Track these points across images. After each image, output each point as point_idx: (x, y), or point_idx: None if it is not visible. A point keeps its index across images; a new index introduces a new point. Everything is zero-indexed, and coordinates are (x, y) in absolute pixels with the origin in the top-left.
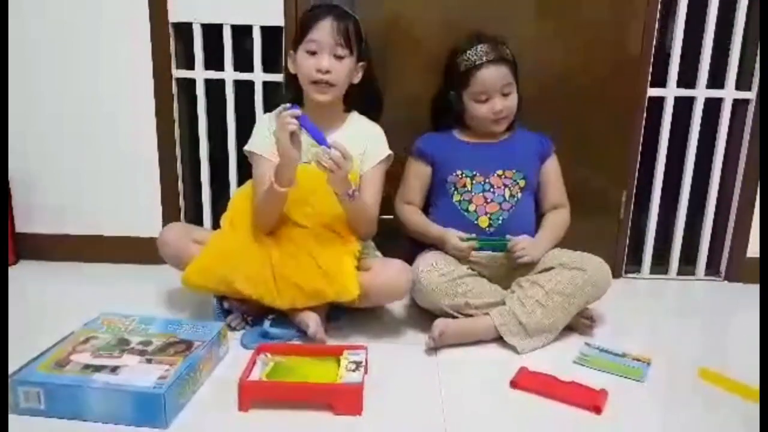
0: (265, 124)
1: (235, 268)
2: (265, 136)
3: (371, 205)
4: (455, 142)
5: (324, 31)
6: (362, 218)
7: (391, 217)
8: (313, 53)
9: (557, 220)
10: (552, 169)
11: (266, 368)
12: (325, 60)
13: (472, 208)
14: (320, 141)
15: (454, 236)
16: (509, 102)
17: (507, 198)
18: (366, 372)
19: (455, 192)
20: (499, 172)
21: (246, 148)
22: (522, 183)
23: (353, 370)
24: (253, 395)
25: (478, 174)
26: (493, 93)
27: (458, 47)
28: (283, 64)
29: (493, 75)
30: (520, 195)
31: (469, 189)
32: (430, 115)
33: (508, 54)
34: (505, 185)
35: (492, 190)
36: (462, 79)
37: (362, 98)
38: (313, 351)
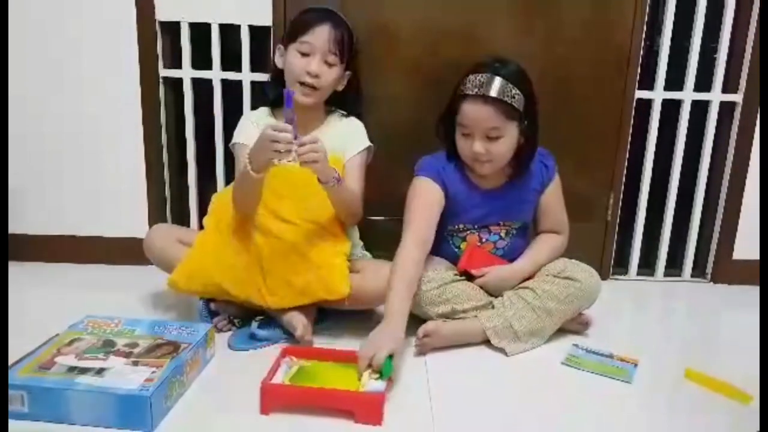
0: (250, 118)
1: (222, 269)
2: (249, 128)
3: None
4: (467, 188)
5: (320, 35)
6: (348, 203)
7: (381, 218)
8: (305, 54)
9: (544, 246)
10: (551, 195)
11: (290, 372)
12: (315, 63)
13: (464, 246)
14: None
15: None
16: (495, 147)
17: (502, 237)
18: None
19: (452, 233)
20: (500, 222)
21: (231, 142)
22: (519, 225)
23: (376, 379)
24: (274, 399)
25: (478, 225)
26: (475, 132)
27: (474, 66)
28: (271, 57)
29: (476, 113)
30: (515, 232)
31: (466, 231)
32: (437, 129)
33: (509, 94)
34: (503, 228)
35: (488, 230)
36: (454, 104)
37: (343, 103)
38: (339, 356)
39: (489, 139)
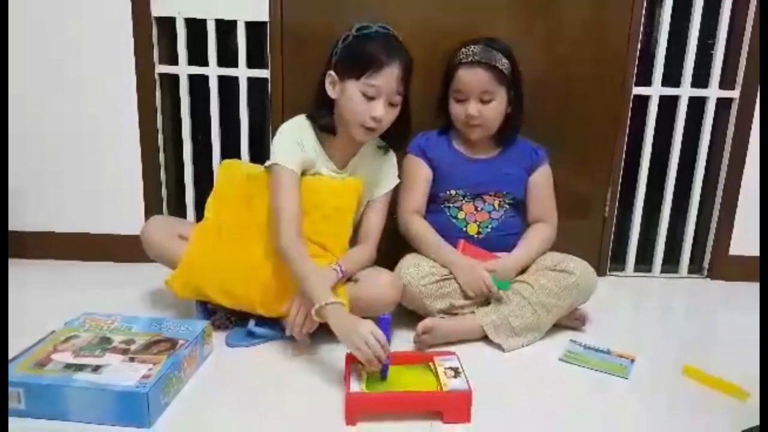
0: (294, 136)
1: (219, 283)
2: (294, 150)
3: (374, 232)
4: (453, 155)
5: (389, 77)
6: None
7: None
8: (370, 98)
9: (535, 236)
10: (539, 181)
11: (362, 379)
12: (380, 108)
13: (461, 215)
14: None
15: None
16: (487, 110)
17: (496, 208)
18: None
19: (446, 202)
20: (491, 192)
21: (270, 162)
22: (511, 199)
23: (454, 377)
24: (360, 408)
25: (469, 193)
26: (470, 96)
27: (465, 41)
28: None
29: (471, 77)
30: (508, 206)
31: (461, 199)
32: (436, 107)
33: (500, 62)
34: (496, 199)
35: (482, 200)
36: (448, 75)
37: (389, 132)
38: (403, 359)
39: (482, 102)
